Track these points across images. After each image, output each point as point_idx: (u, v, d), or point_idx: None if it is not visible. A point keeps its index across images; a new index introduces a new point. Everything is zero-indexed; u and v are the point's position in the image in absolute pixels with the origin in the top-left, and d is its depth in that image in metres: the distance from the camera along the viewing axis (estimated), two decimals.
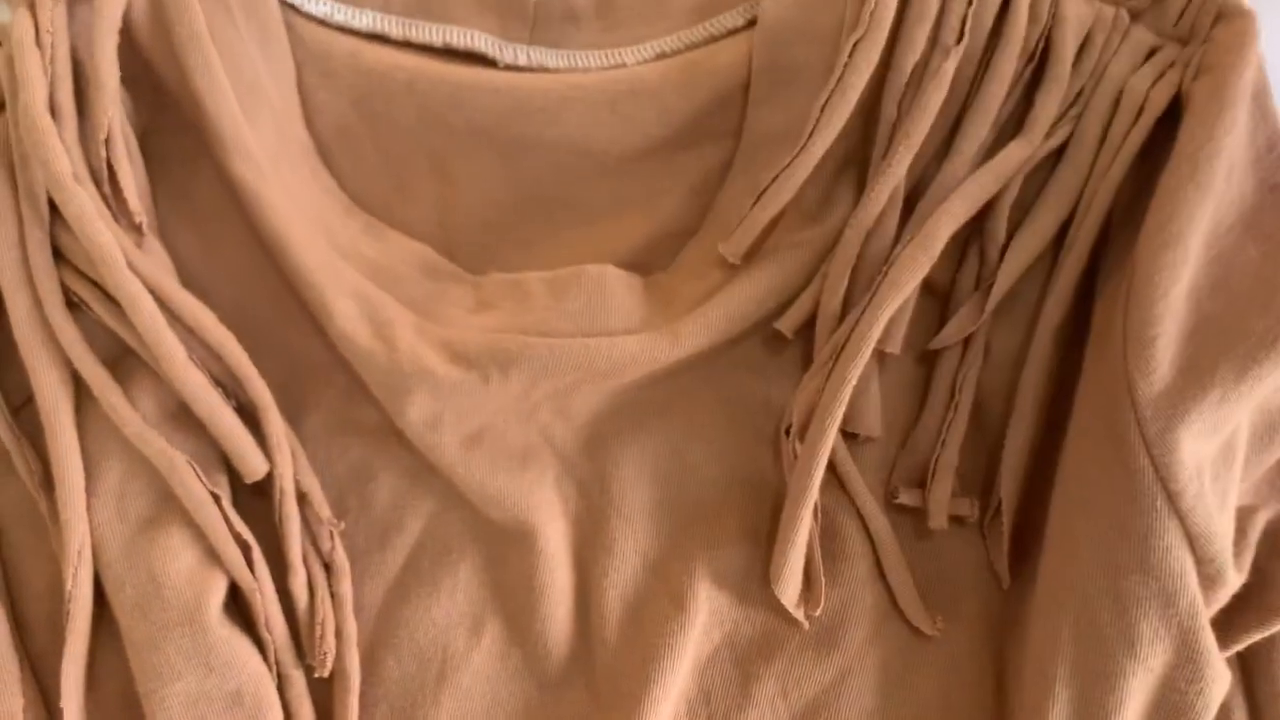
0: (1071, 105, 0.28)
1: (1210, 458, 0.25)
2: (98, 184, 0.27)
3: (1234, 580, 0.26)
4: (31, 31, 0.27)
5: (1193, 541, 0.25)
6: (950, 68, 0.28)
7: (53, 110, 0.27)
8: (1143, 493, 0.25)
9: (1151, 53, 0.28)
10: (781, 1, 0.30)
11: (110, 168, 0.27)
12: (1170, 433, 0.25)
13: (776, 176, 0.28)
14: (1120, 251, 0.28)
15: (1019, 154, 0.28)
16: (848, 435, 0.29)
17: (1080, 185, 0.28)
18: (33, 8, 0.28)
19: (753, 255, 0.29)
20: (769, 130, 0.30)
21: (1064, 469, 0.28)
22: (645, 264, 0.31)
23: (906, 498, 0.29)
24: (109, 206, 0.28)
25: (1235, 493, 0.26)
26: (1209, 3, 0.28)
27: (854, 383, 0.27)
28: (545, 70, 0.31)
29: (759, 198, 0.28)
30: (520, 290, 0.30)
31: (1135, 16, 0.29)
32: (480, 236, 0.31)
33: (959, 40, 0.28)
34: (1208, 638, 0.26)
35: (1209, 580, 0.26)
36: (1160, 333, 0.25)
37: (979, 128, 0.28)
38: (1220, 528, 0.25)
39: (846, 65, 0.28)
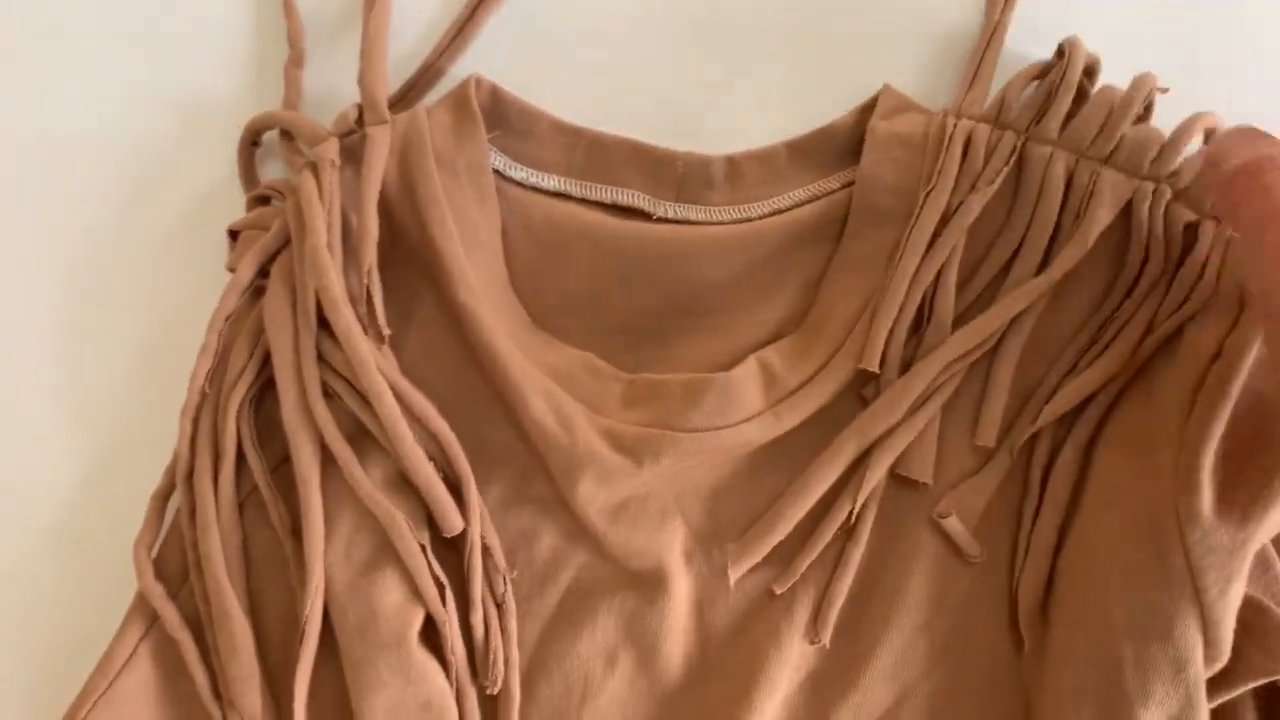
0: (1127, 294, 0.36)
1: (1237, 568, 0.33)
2: (354, 305, 0.36)
3: (1226, 658, 0.33)
4: (315, 189, 0.36)
5: (1206, 627, 0.33)
6: (976, 204, 0.37)
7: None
8: (1175, 584, 0.33)
9: (1188, 227, 0.36)
10: (875, 160, 0.38)
11: (368, 293, 0.36)
12: (1202, 543, 0.33)
13: (882, 296, 0.37)
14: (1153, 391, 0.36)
15: (1038, 285, 0.36)
16: (905, 480, 0.37)
17: (1122, 362, 0.36)
18: (315, 172, 0.37)
19: (841, 353, 0.37)
20: (853, 258, 0.38)
21: (1103, 554, 0.35)
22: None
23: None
24: (361, 322, 0.36)
25: (1240, 596, 0.34)
26: None
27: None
28: (688, 222, 0.40)
29: (873, 317, 0.37)
30: (663, 390, 0.38)
31: (1176, 196, 0.36)
32: (632, 346, 0.39)
33: (990, 183, 0.37)
34: (1203, 699, 0.34)
35: (1211, 658, 0.33)
36: (1203, 465, 0.33)
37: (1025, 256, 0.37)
38: (1229, 621, 0.33)
39: (922, 208, 0.37)
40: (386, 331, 0.37)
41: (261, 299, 0.37)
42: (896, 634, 0.37)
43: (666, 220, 0.40)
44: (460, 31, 0.41)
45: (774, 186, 0.40)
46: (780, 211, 0.40)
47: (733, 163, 0.40)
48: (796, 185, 0.40)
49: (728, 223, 0.40)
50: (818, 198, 0.40)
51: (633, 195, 0.40)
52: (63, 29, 0.42)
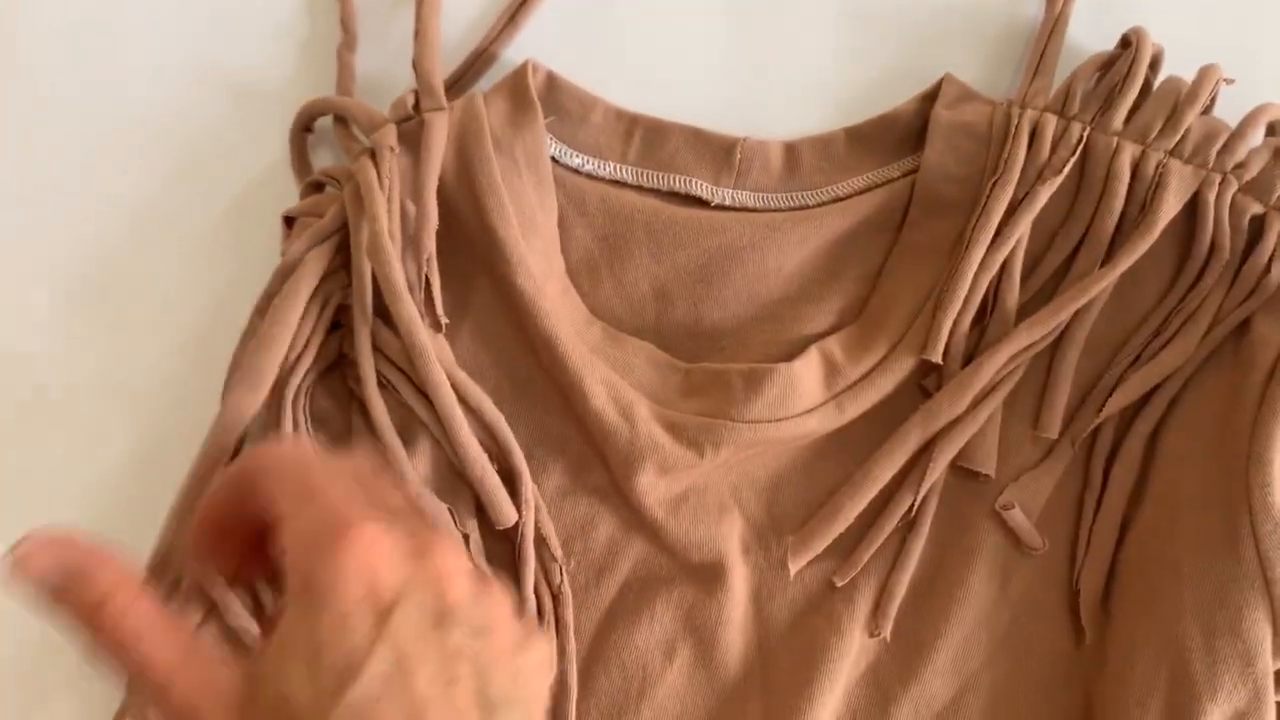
0: (1193, 285, 0.36)
1: None
2: (411, 293, 0.36)
3: None
4: (375, 176, 0.35)
5: (1276, 620, 0.33)
6: (1044, 195, 0.36)
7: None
8: (1245, 577, 0.33)
9: (1255, 221, 0.36)
10: (939, 149, 0.38)
11: (427, 281, 0.36)
12: (1274, 535, 0.33)
13: (947, 287, 0.36)
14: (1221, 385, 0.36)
15: (1103, 276, 0.36)
16: (967, 472, 0.37)
17: (1188, 354, 0.36)
18: (375, 158, 0.36)
19: (904, 344, 0.37)
20: (915, 247, 0.38)
21: (1170, 547, 0.35)
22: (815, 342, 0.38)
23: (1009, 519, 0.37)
24: (418, 310, 0.36)
25: None
26: None
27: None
28: (745, 209, 0.39)
29: (937, 308, 0.37)
30: (722, 380, 0.37)
31: (1243, 187, 0.36)
32: (689, 335, 0.39)
33: (1057, 174, 0.36)
34: (1271, 692, 0.34)
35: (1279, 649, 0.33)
36: (1275, 457, 0.33)
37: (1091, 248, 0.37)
38: None
39: (988, 198, 0.37)
40: (444, 320, 0.36)
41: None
42: (957, 627, 0.37)
43: (724, 207, 0.39)
44: (514, 16, 0.40)
45: (832, 174, 0.40)
46: (839, 199, 0.39)
47: (791, 149, 0.40)
48: (855, 173, 0.40)
49: (785, 209, 0.39)
50: (877, 185, 0.39)
51: (691, 182, 0.39)
52: (114, 10, 0.41)
